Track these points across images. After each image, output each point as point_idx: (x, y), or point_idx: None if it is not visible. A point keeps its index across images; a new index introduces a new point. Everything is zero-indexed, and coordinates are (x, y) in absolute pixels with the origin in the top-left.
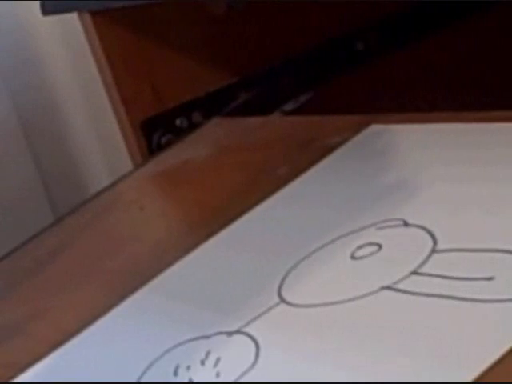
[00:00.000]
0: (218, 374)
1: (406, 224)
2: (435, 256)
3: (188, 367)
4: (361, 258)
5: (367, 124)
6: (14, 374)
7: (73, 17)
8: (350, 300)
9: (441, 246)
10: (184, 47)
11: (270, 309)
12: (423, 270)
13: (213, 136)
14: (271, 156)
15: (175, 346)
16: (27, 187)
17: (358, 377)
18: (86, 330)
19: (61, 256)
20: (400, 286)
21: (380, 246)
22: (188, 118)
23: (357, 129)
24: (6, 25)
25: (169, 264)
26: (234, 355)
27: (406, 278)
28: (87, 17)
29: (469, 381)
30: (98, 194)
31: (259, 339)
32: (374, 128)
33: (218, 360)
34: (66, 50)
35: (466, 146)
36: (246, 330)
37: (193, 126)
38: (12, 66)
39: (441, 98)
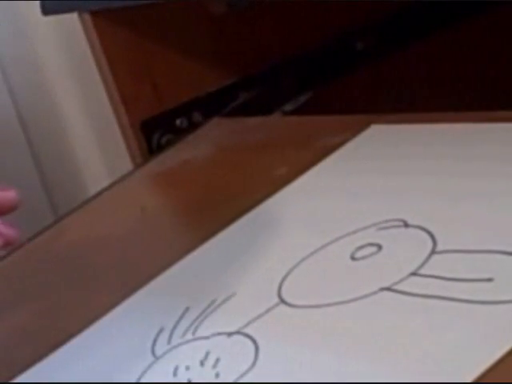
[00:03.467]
0: (217, 375)
1: (406, 225)
2: (435, 257)
3: (187, 367)
4: (361, 258)
5: (367, 124)
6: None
7: (73, 17)
8: (349, 301)
9: (440, 247)
10: (184, 47)
11: (269, 309)
12: (423, 271)
13: (213, 136)
14: (271, 156)
15: (175, 347)
16: (27, 187)
17: (357, 377)
18: (86, 330)
19: (60, 257)
20: (399, 287)
21: (380, 247)
22: (188, 118)
23: (357, 129)
24: (5, 25)
25: (169, 264)
26: (233, 356)
27: (405, 279)
28: (87, 17)
29: (469, 381)
30: (98, 193)
31: (258, 340)
32: (374, 128)
33: (217, 360)
34: (66, 50)
35: (466, 146)
36: (246, 330)
37: (193, 126)
38: (12, 66)
39: (441, 98)
